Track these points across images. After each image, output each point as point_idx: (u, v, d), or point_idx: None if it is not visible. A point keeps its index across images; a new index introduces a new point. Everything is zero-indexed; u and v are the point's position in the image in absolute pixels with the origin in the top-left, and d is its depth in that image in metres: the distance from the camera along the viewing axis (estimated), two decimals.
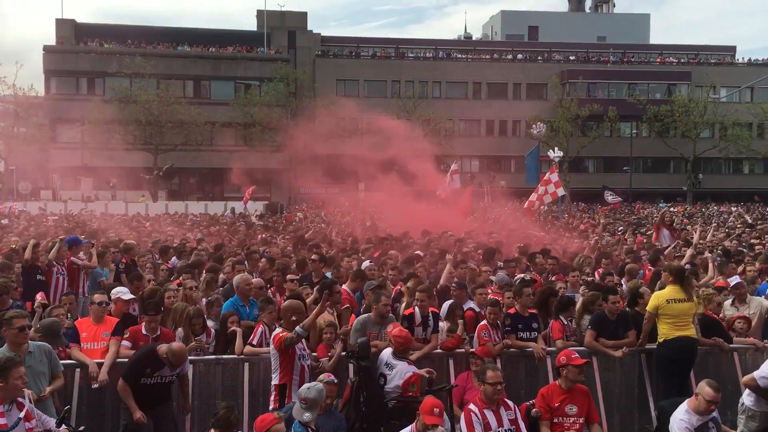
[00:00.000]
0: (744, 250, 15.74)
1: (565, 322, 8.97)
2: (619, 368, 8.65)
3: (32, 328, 7.24)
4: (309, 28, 67.75)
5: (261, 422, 5.93)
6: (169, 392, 7.39)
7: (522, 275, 11.18)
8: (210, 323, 8.76)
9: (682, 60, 71.15)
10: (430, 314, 8.67)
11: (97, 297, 8.24)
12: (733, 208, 47.68)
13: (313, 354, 8.04)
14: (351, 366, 7.89)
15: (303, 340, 7.40)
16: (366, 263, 11.82)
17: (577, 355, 7.20)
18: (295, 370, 7.19)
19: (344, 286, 10.13)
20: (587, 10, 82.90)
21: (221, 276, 11.15)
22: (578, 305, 9.39)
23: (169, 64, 58.84)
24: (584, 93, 65.63)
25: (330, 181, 41.01)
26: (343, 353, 8.03)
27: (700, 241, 16.32)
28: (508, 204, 33.61)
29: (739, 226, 25.31)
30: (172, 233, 20.78)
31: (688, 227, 23.75)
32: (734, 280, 10.00)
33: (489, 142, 66.15)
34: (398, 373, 7.42)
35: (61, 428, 6.01)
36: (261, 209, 39.15)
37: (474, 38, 78.70)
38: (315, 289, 9.38)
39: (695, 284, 9.61)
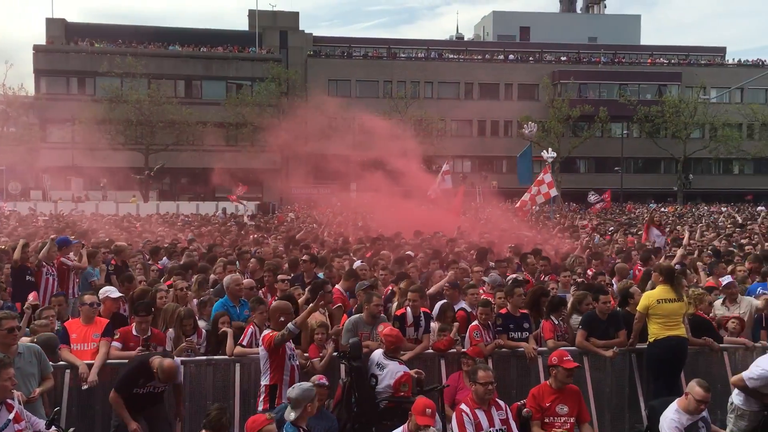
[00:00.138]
0: (734, 250, 15.83)
1: (556, 322, 8.99)
2: (609, 368, 8.67)
3: (21, 329, 7.20)
4: (301, 28, 67.71)
5: (252, 423, 5.92)
6: (162, 396, 7.35)
7: (514, 275, 11.20)
8: (202, 324, 8.74)
9: (673, 61, 71.54)
10: (422, 314, 8.67)
11: (88, 298, 8.20)
12: (723, 209, 47.97)
13: (305, 354, 8.03)
14: (342, 366, 7.88)
15: (292, 341, 7.38)
16: (357, 263, 11.81)
17: (569, 358, 7.20)
18: (285, 370, 7.16)
19: (338, 286, 10.13)
20: (578, 10, 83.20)
21: (212, 276, 11.11)
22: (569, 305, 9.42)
23: (160, 63, 58.67)
24: (575, 93, 65.89)
25: (321, 181, 41.03)
26: (335, 353, 8.02)
27: (691, 241, 16.40)
28: (500, 204, 33.68)
29: (729, 226, 25.45)
30: (162, 233, 20.71)
31: (678, 227, 23.88)
32: (725, 279, 10.04)
33: (480, 143, 66.31)
34: (389, 372, 7.41)
35: (50, 430, 5.97)
36: (252, 209, 39.06)
37: (466, 39, 78.83)
38: (306, 289, 9.36)
39: (685, 284, 9.64)
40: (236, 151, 51.73)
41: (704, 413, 6.73)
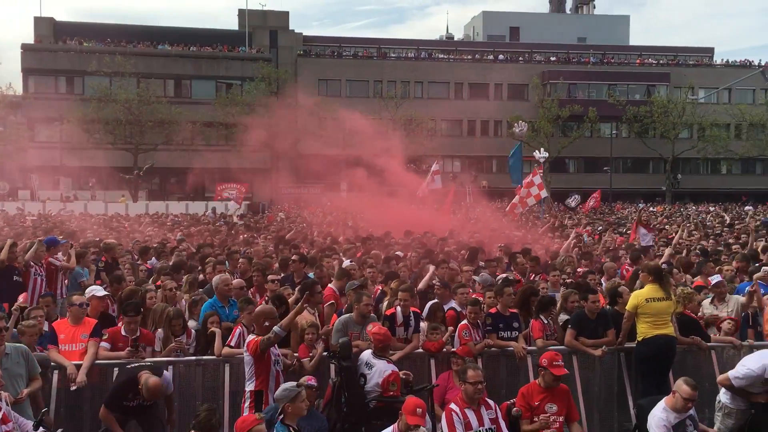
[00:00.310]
0: (721, 249, 15.93)
1: (546, 322, 9.02)
2: (598, 367, 8.70)
3: (9, 330, 7.16)
4: (291, 28, 67.62)
5: (242, 423, 5.91)
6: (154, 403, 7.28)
7: (504, 275, 11.23)
8: (191, 324, 8.71)
9: (661, 61, 71.94)
10: (412, 314, 8.68)
11: (76, 298, 8.16)
12: (711, 208, 48.26)
13: (295, 354, 8.02)
14: (332, 366, 7.88)
15: (277, 345, 7.36)
16: (347, 262, 11.80)
17: (559, 363, 7.19)
18: (271, 375, 7.11)
19: (331, 285, 10.12)
20: (568, 11, 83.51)
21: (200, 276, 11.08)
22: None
23: (149, 63, 58.43)
24: (565, 94, 66.16)
25: (311, 181, 40.98)
26: (325, 353, 8.01)
27: (679, 241, 16.48)
28: (490, 204, 33.75)
29: (717, 225, 25.60)
30: (151, 233, 20.62)
31: (667, 227, 24.00)
32: (715, 278, 10.09)
33: (470, 142, 66.45)
34: (377, 371, 7.41)
35: (38, 431, 5.94)
36: (242, 209, 38.96)
37: (455, 39, 78.97)
38: (296, 289, 9.35)
39: (673, 283, 9.70)
40: (226, 150, 51.53)
41: (692, 411, 6.77)
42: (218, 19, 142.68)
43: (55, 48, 59.94)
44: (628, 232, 20.31)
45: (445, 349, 8.44)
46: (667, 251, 13.77)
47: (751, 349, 8.68)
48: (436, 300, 9.46)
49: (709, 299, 9.90)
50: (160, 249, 14.62)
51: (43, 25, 62.36)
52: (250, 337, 7.21)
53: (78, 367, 7.47)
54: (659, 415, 6.69)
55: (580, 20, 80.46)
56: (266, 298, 9.64)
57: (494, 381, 8.36)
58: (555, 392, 7.23)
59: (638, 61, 71.87)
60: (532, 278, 11.70)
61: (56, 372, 7.55)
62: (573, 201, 34.10)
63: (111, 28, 62.46)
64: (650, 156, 66.52)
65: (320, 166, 29.96)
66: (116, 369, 7.67)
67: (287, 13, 67.89)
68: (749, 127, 65.55)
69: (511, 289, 9.28)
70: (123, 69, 53.16)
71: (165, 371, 7.16)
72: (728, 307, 9.57)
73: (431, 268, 10.88)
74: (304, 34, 69.33)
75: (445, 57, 69.63)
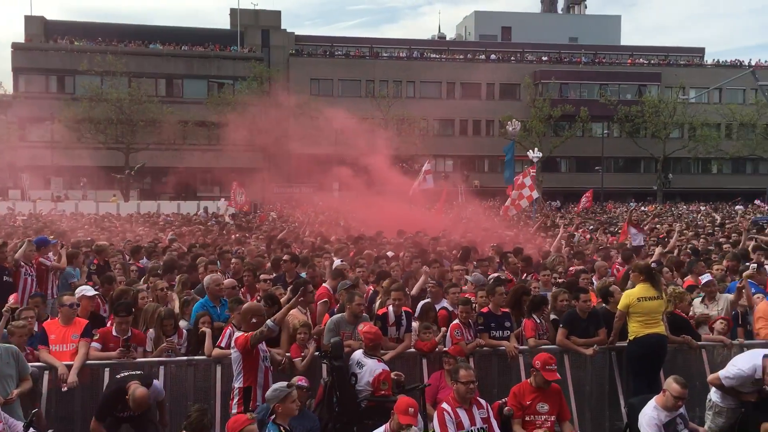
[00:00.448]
0: (711, 248, 15.99)
1: (538, 321, 9.05)
2: (590, 366, 8.72)
3: None
4: (283, 27, 67.48)
5: (234, 423, 5.91)
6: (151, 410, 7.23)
7: (496, 274, 11.24)
8: (183, 323, 8.68)
9: (652, 61, 72.21)
10: (403, 313, 8.68)
11: (67, 298, 8.12)
12: (702, 207, 48.53)
13: (287, 354, 8.00)
14: (324, 366, 7.87)
15: (266, 343, 7.34)
16: (337, 262, 11.81)
17: (551, 368, 7.21)
18: (259, 372, 7.11)
19: (325, 284, 10.12)
20: (559, 11, 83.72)
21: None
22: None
23: (140, 62, 58.23)
24: (556, 93, 66.34)
25: (303, 181, 40.93)
26: (317, 353, 8.01)
27: (676, 243, 16.55)
28: (482, 203, 33.80)
29: (707, 225, 25.71)
30: (142, 233, 20.55)
31: (658, 226, 24.09)
32: (705, 278, 10.14)
33: (463, 142, 66.54)
34: (368, 370, 7.41)
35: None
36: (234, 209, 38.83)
37: (448, 38, 79.04)
38: (288, 289, 9.33)
39: (663, 282, 9.74)
40: (218, 150, 51.46)
41: (682, 410, 6.81)
42: (210, 19, 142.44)
43: (46, 47, 59.66)
44: (619, 231, 20.37)
45: (437, 349, 8.45)
46: (658, 250, 13.82)
47: (741, 348, 8.73)
48: (428, 300, 9.47)
49: (699, 298, 9.94)
50: (151, 249, 14.57)
51: (34, 24, 62.05)
52: (238, 333, 7.18)
53: (69, 367, 7.44)
54: (650, 413, 6.73)
55: (571, 20, 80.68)
56: (258, 297, 9.64)
57: (486, 380, 8.37)
58: (546, 392, 7.26)
59: (629, 61, 72.15)
60: (524, 277, 11.72)
61: (47, 372, 7.52)
62: (553, 203, 34.23)
63: (102, 27, 62.19)
64: (641, 156, 66.79)
65: (311, 165, 29.96)
66: (107, 369, 7.64)
67: (279, 12, 67.82)
68: (740, 127, 65.86)
69: (503, 288, 9.30)
70: (114, 68, 52.95)
71: (155, 380, 7.08)
72: (718, 306, 9.61)
73: (424, 271, 10.87)
74: (296, 33, 69.22)
75: (437, 57, 69.70)
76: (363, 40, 71.58)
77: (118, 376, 7.05)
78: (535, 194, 22.32)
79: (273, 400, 6.35)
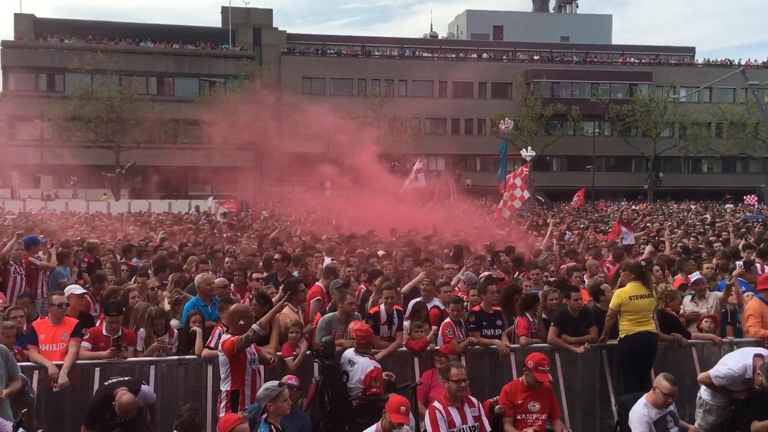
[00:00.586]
0: (702, 247, 16.07)
1: (531, 319, 9.07)
2: (581, 364, 8.75)
3: None
4: (274, 26, 67.35)
5: (225, 422, 5.90)
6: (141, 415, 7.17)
7: (487, 273, 11.26)
8: (174, 323, 8.64)
9: (643, 60, 72.52)
10: (395, 312, 8.68)
11: (56, 298, 8.06)
12: (692, 206, 48.77)
13: (278, 353, 7.98)
14: (316, 365, 7.86)
15: (254, 345, 7.32)
16: (327, 260, 11.78)
17: (544, 369, 7.22)
18: (247, 374, 7.05)
19: (318, 282, 10.10)
20: (551, 10, 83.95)
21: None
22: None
23: (131, 60, 57.98)
24: (548, 92, 66.52)
25: (295, 179, 40.86)
26: (308, 352, 7.99)
27: (660, 238, 16.61)
28: (475, 202, 33.82)
29: (698, 224, 25.83)
30: (133, 232, 20.47)
31: (648, 225, 24.20)
32: (694, 276, 10.18)
33: (455, 141, 66.59)
34: (359, 368, 7.41)
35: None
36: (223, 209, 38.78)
37: (440, 37, 79.10)
38: (280, 288, 9.32)
39: (653, 280, 9.78)
40: (209, 149, 51.33)
41: (672, 407, 6.84)
42: (201, 17, 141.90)
43: (36, 45, 59.34)
44: (609, 230, 20.43)
45: (428, 348, 8.45)
46: (648, 248, 13.88)
47: (731, 346, 8.78)
48: (420, 299, 9.47)
49: (689, 297, 9.99)
50: (141, 248, 14.52)
51: (24, 21, 61.69)
52: (225, 337, 7.15)
53: (59, 367, 7.40)
54: (640, 411, 6.75)
55: (563, 19, 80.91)
56: (249, 297, 9.62)
57: (477, 379, 8.38)
58: (538, 390, 7.27)
59: (620, 60, 72.41)
60: (515, 276, 11.74)
61: (37, 372, 7.48)
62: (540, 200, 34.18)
63: (92, 25, 61.89)
64: (632, 154, 67.06)
65: (302, 164, 29.93)
66: (98, 369, 7.61)
67: (271, 10, 67.66)
68: (730, 126, 66.23)
69: (495, 287, 9.31)
70: (105, 66, 52.72)
71: (144, 385, 6.99)
72: (708, 304, 9.66)
73: (420, 272, 10.88)
74: (287, 31, 69.10)
75: (429, 55, 69.75)
76: (355, 38, 71.58)
77: (107, 383, 6.95)
78: (527, 194, 22.36)
79: (264, 400, 6.33)
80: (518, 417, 7.19)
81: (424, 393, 7.89)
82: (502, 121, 37.06)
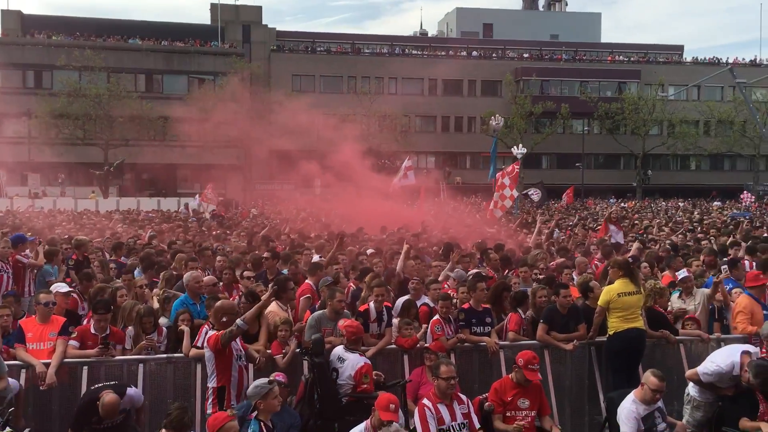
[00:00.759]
0: (690, 244, 16.15)
1: (523, 316, 9.11)
2: (569, 361, 8.79)
3: None
4: (264, 23, 67.14)
5: (214, 420, 5.89)
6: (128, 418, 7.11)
7: (475, 270, 11.27)
8: (163, 321, 8.61)
9: (632, 58, 72.79)
10: (384, 309, 8.68)
11: (43, 297, 8.01)
12: (681, 204, 49.03)
13: (268, 351, 7.97)
14: (305, 363, 7.85)
15: (242, 340, 7.30)
16: (316, 258, 11.77)
17: (534, 368, 7.23)
18: (233, 371, 7.05)
19: (308, 280, 10.08)
20: (540, 8, 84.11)
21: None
22: None
23: (119, 57, 57.65)
24: (537, 90, 66.68)
25: (285, 178, 40.73)
26: (297, 350, 7.98)
27: (649, 236, 16.70)
28: (465, 200, 33.84)
29: (686, 221, 25.96)
30: (121, 230, 20.35)
31: (637, 222, 24.31)
32: (682, 273, 10.23)
33: (444, 139, 66.66)
34: (350, 364, 7.41)
35: (5, 431, 5.83)
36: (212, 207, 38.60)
37: (429, 35, 79.12)
38: (270, 286, 9.29)
39: (642, 277, 9.83)
40: (198, 146, 51.12)
41: (660, 403, 6.88)
42: (190, 14, 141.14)
43: (23, 42, 58.87)
44: (598, 228, 20.49)
45: (418, 345, 8.46)
46: (635, 245, 13.95)
47: (718, 343, 8.83)
48: (409, 297, 9.48)
49: (677, 293, 10.04)
50: (130, 246, 14.44)
51: (11, 18, 61.22)
52: (210, 332, 7.14)
53: (47, 365, 7.35)
54: (629, 407, 6.79)
55: (552, 17, 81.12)
56: (239, 295, 9.59)
57: (467, 376, 8.40)
58: (527, 387, 7.29)
59: (609, 58, 72.66)
60: (505, 273, 11.77)
61: (24, 371, 7.43)
62: (534, 195, 33.98)
63: (80, 22, 61.47)
64: (621, 152, 67.36)
65: (291, 162, 29.86)
66: (85, 367, 7.57)
67: (260, 8, 67.45)
68: (717, 124, 66.64)
69: (484, 284, 9.33)
70: (93, 63, 52.37)
71: (130, 387, 6.93)
72: (695, 301, 9.72)
73: (410, 263, 10.87)
74: (277, 29, 68.91)
75: (419, 53, 69.77)
76: (345, 36, 71.50)
77: (93, 387, 6.93)
78: (515, 193, 22.43)
79: (255, 397, 6.33)
80: (507, 414, 7.21)
81: (414, 390, 7.89)
82: (492, 117, 37.06)
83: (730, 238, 16.05)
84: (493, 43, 73.03)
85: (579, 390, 8.83)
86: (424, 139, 63.21)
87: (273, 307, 8.55)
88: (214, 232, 19.02)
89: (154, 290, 9.98)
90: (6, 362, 7.05)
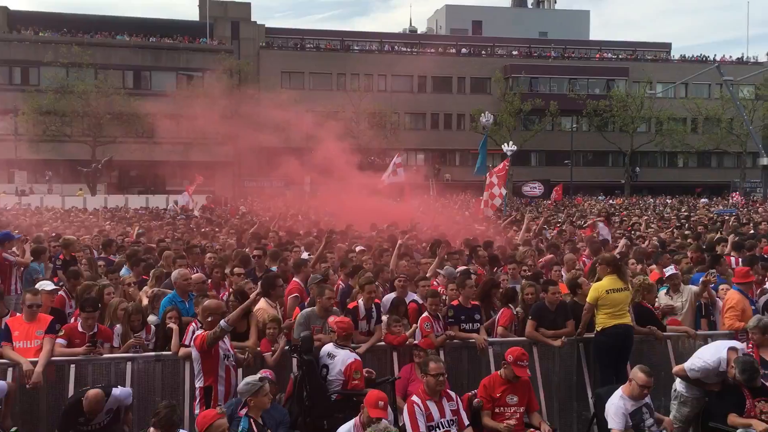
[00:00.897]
0: (678, 240, 16.24)
1: (515, 312, 9.15)
2: (558, 357, 8.82)
3: None
4: (253, 19, 66.90)
5: (203, 418, 5.87)
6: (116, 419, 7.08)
7: (464, 267, 11.30)
8: (152, 318, 8.57)
9: (621, 56, 73.07)
10: (374, 306, 8.68)
11: (29, 298, 7.92)
12: (668, 200, 49.32)
13: (257, 349, 7.95)
14: (294, 360, 7.84)
15: (230, 339, 7.29)
16: (305, 255, 11.75)
17: (523, 364, 7.25)
18: (220, 370, 7.02)
19: (295, 278, 10.06)
20: (529, 5, 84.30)
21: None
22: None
23: (107, 53, 57.29)
24: (526, 87, 66.83)
25: (275, 175, 40.64)
26: (287, 347, 7.97)
27: (637, 232, 16.78)
28: (454, 197, 33.88)
29: (673, 218, 26.12)
30: (109, 228, 20.27)
31: (625, 219, 24.41)
32: (669, 270, 10.28)
33: (434, 136, 66.71)
34: (340, 359, 7.39)
35: None
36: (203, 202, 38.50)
37: (419, 32, 79.10)
38: (259, 283, 9.28)
39: (630, 273, 9.87)
40: (187, 143, 50.90)
41: (647, 399, 6.92)
42: (178, 10, 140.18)
43: (10, 38, 58.38)
44: (586, 225, 20.58)
45: (407, 342, 8.47)
46: (622, 242, 14.02)
47: (705, 339, 8.89)
48: (397, 295, 9.48)
49: (664, 290, 10.09)
50: (120, 243, 14.40)
51: None
52: (198, 332, 7.13)
53: (34, 364, 7.31)
54: (616, 402, 6.83)
55: (541, 15, 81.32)
56: (228, 292, 9.56)
57: (456, 373, 8.42)
58: (516, 384, 7.30)
59: (598, 55, 72.92)
60: (494, 270, 11.80)
61: (10, 370, 7.38)
62: (537, 189, 34.12)
63: (67, 18, 61.05)
64: (610, 149, 67.68)
65: (280, 159, 29.80)
66: (73, 366, 7.52)
67: (249, 4, 67.17)
68: (705, 121, 67.06)
69: (473, 281, 9.35)
70: (80, 60, 52.03)
71: (115, 388, 6.91)
72: (683, 297, 9.77)
73: (403, 263, 10.86)
74: (266, 25, 68.69)
75: (409, 50, 69.73)
76: (334, 33, 71.32)
77: (80, 390, 6.92)
78: (504, 191, 22.54)
79: (245, 394, 6.32)
80: (496, 410, 7.22)
81: (403, 387, 7.90)
82: (482, 114, 37.15)
83: (718, 235, 16.16)
84: (482, 40, 73.13)
85: (567, 386, 8.87)
86: (413, 137, 63.25)
87: (262, 304, 8.54)
88: (202, 230, 18.95)
89: (144, 288, 9.94)
90: None
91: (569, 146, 62.72)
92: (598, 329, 8.61)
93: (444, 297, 9.25)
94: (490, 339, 8.79)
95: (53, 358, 7.51)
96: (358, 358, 7.53)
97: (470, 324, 8.86)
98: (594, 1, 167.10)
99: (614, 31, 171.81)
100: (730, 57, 72.81)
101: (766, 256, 12.84)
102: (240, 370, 7.44)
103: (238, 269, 10.40)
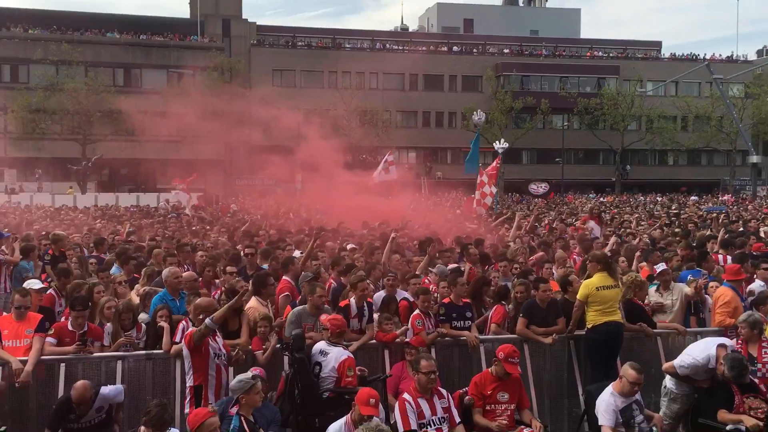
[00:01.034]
0: (669, 237, 16.30)
1: (507, 309, 9.17)
2: (549, 354, 8.85)
3: None
4: (244, 17, 66.66)
5: (194, 417, 5.86)
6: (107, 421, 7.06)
7: (455, 265, 11.32)
8: (143, 317, 8.54)
9: (611, 54, 73.29)
10: (365, 304, 8.69)
11: (18, 299, 7.87)
12: (659, 198, 49.56)
13: (248, 347, 7.94)
14: (285, 358, 7.83)
15: (222, 337, 7.28)
16: (297, 253, 11.73)
17: (514, 361, 7.27)
18: (210, 369, 6.98)
19: (285, 276, 10.04)
20: (521, 3, 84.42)
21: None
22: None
23: (97, 51, 56.99)
24: (518, 86, 66.95)
25: (266, 173, 40.58)
26: (278, 345, 7.96)
27: (628, 230, 16.83)
28: (445, 195, 33.89)
29: (663, 216, 26.23)
30: (99, 226, 20.18)
31: (616, 217, 24.50)
32: (660, 267, 10.33)
33: (425, 134, 66.74)
34: (333, 357, 7.38)
35: None
36: (194, 201, 38.34)
37: (410, 30, 79.07)
38: (251, 281, 9.26)
39: (619, 270, 9.91)
40: (178, 141, 50.71)
41: (638, 396, 6.95)
42: (169, 7, 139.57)
43: None
44: (576, 223, 20.64)
45: (398, 340, 8.47)
46: (612, 239, 14.07)
47: (695, 336, 8.93)
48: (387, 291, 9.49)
49: (654, 287, 10.13)
50: (111, 241, 14.34)
51: None
52: (189, 329, 7.12)
53: (23, 363, 7.27)
54: (607, 399, 6.85)
55: (532, 13, 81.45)
56: (219, 290, 9.55)
57: (447, 370, 8.43)
58: (507, 381, 7.33)
59: (588, 54, 73.13)
60: (485, 269, 11.82)
61: (0, 368, 7.34)
62: (542, 188, 34.28)
63: (57, 15, 60.64)
64: (600, 147, 67.91)
65: (270, 157, 29.75)
66: (63, 365, 7.49)
67: (240, 2, 66.87)
68: (695, 119, 67.40)
69: (464, 279, 9.37)
70: (70, 57, 51.72)
71: (104, 386, 6.90)
72: (673, 295, 9.81)
73: (396, 257, 10.86)
74: (257, 23, 68.46)
75: (400, 48, 69.70)
76: (325, 30, 71.19)
77: (70, 388, 6.92)
78: (494, 189, 22.62)
79: (238, 392, 6.31)
80: (487, 407, 7.24)
81: (394, 385, 7.90)
82: (474, 112, 37.17)
83: (708, 232, 16.24)
84: (473, 38, 73.20)
85: (558, 383, 8.90)
86: (404, 134, 63.24)
87: (253, 302, 8.53)
88: (193, 228, 18.89)
89: (135, 286, 9.91)
90: None
91: (560, 144, 62.87)
92: (589, 326, 8.64)
93: (435, 295, 9.26)
94: (482, 336, 8.81)
95: (43, 357, 7.48)
96: (351, 355, 7.53)
97: (461, 322, 8.87)
98: None
99: (605, 30, 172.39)
100: (720, 55, 73.26)
101: (755, 253, 12.93)
102: (231, 369, 7.43)
103: (231, 267, 10.38)
